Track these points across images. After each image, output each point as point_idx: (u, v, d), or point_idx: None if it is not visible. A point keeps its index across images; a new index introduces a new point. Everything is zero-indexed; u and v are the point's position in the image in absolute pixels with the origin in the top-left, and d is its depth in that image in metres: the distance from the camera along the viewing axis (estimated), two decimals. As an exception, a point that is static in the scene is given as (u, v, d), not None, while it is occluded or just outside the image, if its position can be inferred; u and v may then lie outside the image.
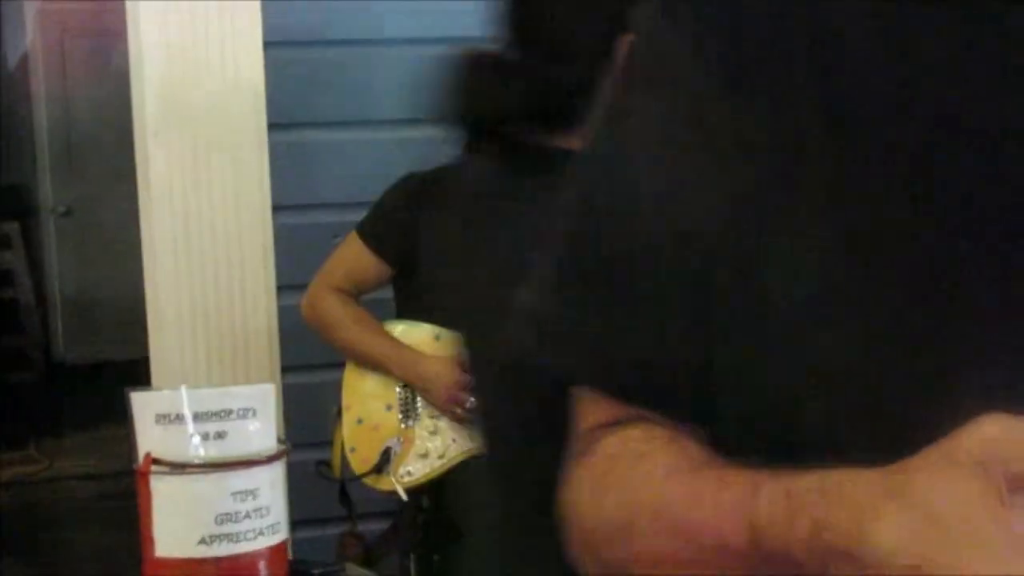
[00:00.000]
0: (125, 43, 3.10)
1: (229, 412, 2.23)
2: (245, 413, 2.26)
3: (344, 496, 2.85)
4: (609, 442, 0.85)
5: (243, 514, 2.18)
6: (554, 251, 0.91)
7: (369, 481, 2.78)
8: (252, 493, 2.21)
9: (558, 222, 0.91)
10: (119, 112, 6.04)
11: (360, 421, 2.81)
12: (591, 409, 0.89)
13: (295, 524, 3.21)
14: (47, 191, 9.10)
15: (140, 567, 2.18)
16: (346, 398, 2.84)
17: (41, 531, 5.64)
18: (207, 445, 2.19)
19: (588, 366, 0.88)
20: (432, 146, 3.01)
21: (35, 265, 8.80)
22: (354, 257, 2.83)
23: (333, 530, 3.02)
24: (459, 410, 2.72)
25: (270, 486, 2.24)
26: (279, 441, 2.32)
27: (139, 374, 3.53)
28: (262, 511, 2.22)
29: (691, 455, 0.79)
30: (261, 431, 2.26)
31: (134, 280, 3.89)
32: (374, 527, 3.00)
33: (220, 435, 2.18)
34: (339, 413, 2.85)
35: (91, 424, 7.24)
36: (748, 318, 0.77)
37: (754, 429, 0.78)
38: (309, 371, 3.15)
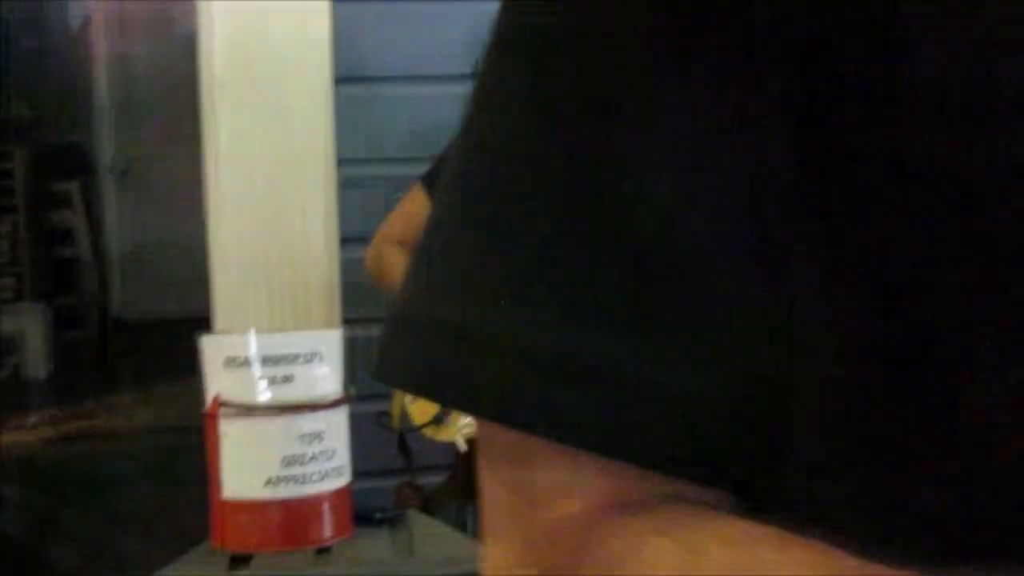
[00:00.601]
0: (185, 3, 3.13)
1: (296, 356, 2.27)
2: (311, 357, 2.29)
3: (403, 447, 2.87)
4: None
5: (309, 456, 2.22)
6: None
7: (429, 431, 2.80)
8: (318, 436, 2.25)
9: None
10: (178, 72, 6.09)
11: (421, 373, 2.82)
12: (559, 478, 0.51)
13: (355, 475, 3.26)
14: (106, 150, 9.19)
15: (207, 512, 2.23)
16: (406, 350, 2.85)
17: (101, 486, 5.73)
18: (274, 388, 2.23)
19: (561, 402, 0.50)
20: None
21: (94, 224, 8.90)
22: (418, 209, 2.83)
23: (391, 482, 3.05)
24: None
25: (335, 430, 2.28)
26: (344, 386, 2.36)
27: (198, 332, 3.57)
28: (328, 453, 2.26)
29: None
30: (327, 376, 2.29)
31: (192, 239, 3.93)
32: (432, 479, 3.02)
33: (287, 379, 2.22)
34: (400, 364, 2.86)
35: (149, 380, 7.33)
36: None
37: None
38: (371, 324, 3.15)
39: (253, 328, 3.06)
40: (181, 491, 4.15)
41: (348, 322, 3.22)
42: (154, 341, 7.87)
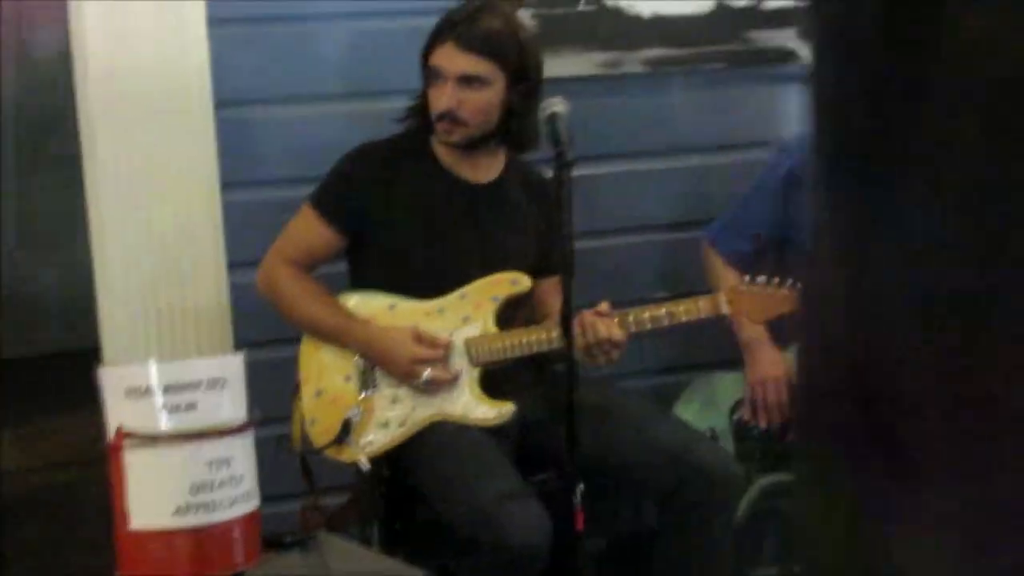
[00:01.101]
0: (49, 32, 3.08)
1: (198, 383, 2.25)
2: (214, 384, 2.28)
3: (305, 469, 2.86)
4: None
5: (217, 483, 2.20)
6: None
7: (331, 452, 2.80)
8: (226, 462, 2.24)
9: None
10: (51, 100, 5.96)
11: (319, 393, 2.83)
12: None
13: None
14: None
15: (110, 546, 2.20)
16: (303, 371, 2.85)
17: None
18: (178, 417, 2.21)
19: None
20: (379, 120, 3.05)
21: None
22: (307, 229, 2.84)
23: (294, 505, 3.03)
24: (416, 382, 2.74)
25: (242, 455, 2.27)
26: (249, 410, 2.35)
27: (85, 365, 3.50)
28: (236, 479, 2.25)
29: None
30: (231, 401, 2.28)
31: (75, 271, 3.86)
32: (335, 500, 3.01)
33: (191, 406, 2.20)
34: (297, 387, 2.86)
35: (33, 416, 7.15)
36: None
37: None
38: (264, 347, 3.11)
39: (146, 357, 3.04)
40: (82, 527, 4.08)
41: (240, 346, 3.20)
42: (39, 377, 7.65)
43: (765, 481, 3.16)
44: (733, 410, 3.23)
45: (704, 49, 3.44)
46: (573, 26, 3.32)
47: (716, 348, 3.38)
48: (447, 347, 2.75)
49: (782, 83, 3.56)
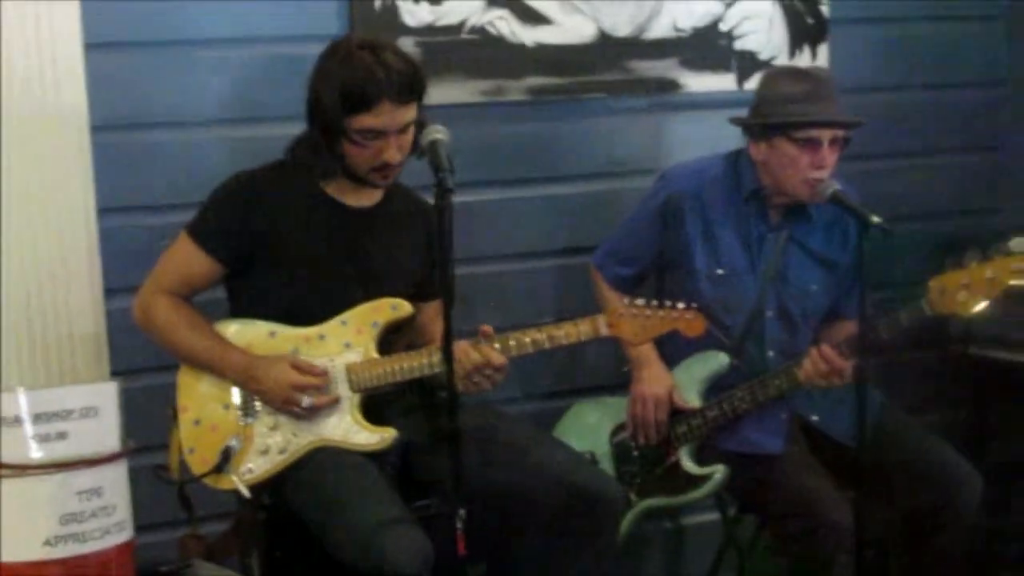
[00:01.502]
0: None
1: (70, 412, 2.22)
2: (87, 412, 2.24)
3: (183, 498, 2.82)
4: None
5: (88, 513, 2.17)
6: None
7: (210, 481, 2.76)
8: (97, 492, 2.20)
9: None
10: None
11: (198, 422, 2.79)
12: None
13: (135, 530, 3.17)
14: None
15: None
16: (182, 400, 2.81)
17: None
18: (49, 446, 2.17)
19: None
20: (258, 146, 3.01)
21: None
22: (185, 257, 2.81)
23: (173, 534, 2.99)
24: (297, 409, 2.73)
25: (115, 484, 2.24)
26: (122, 439, 2.32)
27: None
28: (108, 509, 2.22)
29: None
30: (103, 430, 2.25)
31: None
32: (216, 528, 2.97)
33: (62, 435, 2.17)
34: (175, 415, 2.82)
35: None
36: None
37: None
38: (142, 375, 3.07)
39: (19, 386, 2.97)
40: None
41: (117, 374, 3.15)
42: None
43: (645, 504, 3.18)
44: (614, 433, 3.25)
45: (586, 78, 3.48)
46: (456, 54, 3.33)
47: (601, 373, 3.42)
48: (325, 375, 2.73)
49: (663, 112, 3.61)
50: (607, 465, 3.20)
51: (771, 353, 3.19)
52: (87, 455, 2.04)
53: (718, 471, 3.11)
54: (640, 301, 2.82)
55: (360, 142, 2.70)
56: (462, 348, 2.68)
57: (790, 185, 3.07)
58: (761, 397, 3.10)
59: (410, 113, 2.72)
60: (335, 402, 2.74)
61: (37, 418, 2.02)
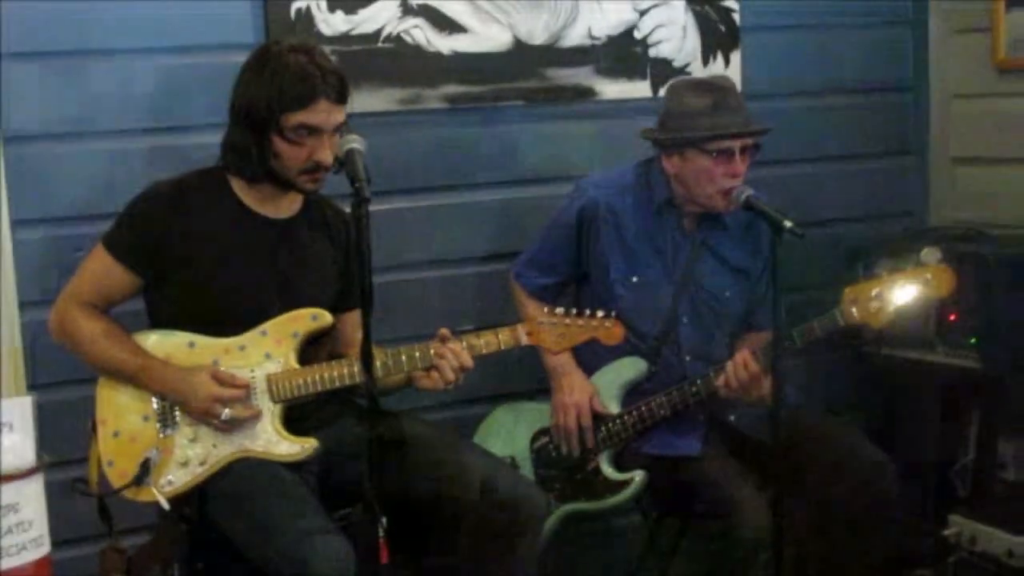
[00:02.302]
0: None
1: (-18, 428, 2.19)
2: (0, 427, 2.22)
3: (103, 511, 2.79)
4: None
5: (4, 529, 2.14)
6: None
7: (129, 493, 2.74)
8: (13, 508, 2.17)
9: None
10: None
11: (117, 434, 2.77)
12: None
13: (54, 544, 3.13)
14: None
15: None
16: (101, 412, 2.79)
17: None
18: (-39, 464, 2.14)
19: None
20: (175, 155, 3.04)
21: None
22: (102, 270, 2.78)
23: (94, 548, 2.96)
24: (216, 421, 2.72)
25: (31, 500, 2.21)
26: (37, 454, 2.29)
27: None
28: (24, 525, 2.19)
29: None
30: (18, 444, 2.22)
31: None
32: (137, 541, 2.95)
33: (-28, 453, 2.14)
34: (94, 428, 2.80)
35: None
36: None
37: None
38: (59, 388, 3.06)
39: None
40: None
41: (35, 387, 3.11)
42: None
43: (566, 508, 3.21)
44: (535, 438, 3.27)
45: (503, 86, 3.50)
46: (373, 62, 3.34)
47: (519, 379, 3.44)
48: (246, 388, 2.73)
49: (580, 119, 3.63)
50: (528, 470, 3.23)
51: (688, 358, 3.23)
52: (2, 471, 2.01)
53: (637, 476, 3.14)
54: (559, 310, 2.85)
55: (295, 140, 2.70)
56: (447, 342, 2.76)
57: (705, 195, 3.11)
58: (680, 405, 3.14)
59: (342, 115, 2.74)
60: (256, 415, 2.74)
61: (-49, 435, 1.99)
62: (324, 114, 2.70)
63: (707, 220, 3.21)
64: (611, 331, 2.85)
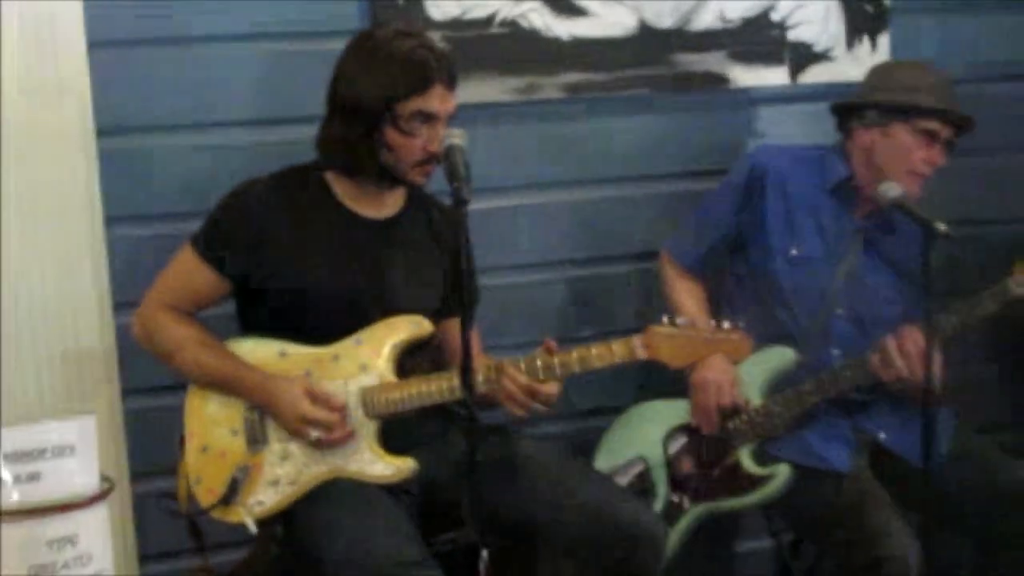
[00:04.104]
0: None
1: (43, 451, 2.03)
2: (61, 451, 2.05)
3: (193, 530, 2.64)
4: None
5: (60, 564, 1.98)
6: None
7: (217, 513, 2.57)
8: (70, 540, 2.00)
9: None
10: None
11: (205, 449, 2.60)
12: None
13: (144, 558, 3.01)
14: None
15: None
16: (189, 425, 2.63)
17: None
18: (19, 488, 1.99)
19: None
20: (279, 149, 2.85)
21: None
22: (188, 271, 2.63)
23: (187, 562, 2.82)
24: (312, 435, 2.53)
25: (91, 530, 2.04)
26: (102, 479, 2.12)
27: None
28: (83, 559, 2.02)
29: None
30: (80, 469, 2.05)
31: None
32: (231, 557, 2.79)
33: (33, 476, 1.98)
34: (182, 441, 2.64)
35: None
36: None
37: None
38: (152, 394, 2.93)
39: (24, 408, 2.81)
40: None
41: (129, 393, 2.97)
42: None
43: (701, 508, 2.98)
44: (669, 437, 3.05)
45: (626, 73, 3.29)
46: (486, 49, 3.14)
47: (643, 388, 3.20)
48: (342, 409, 2.54)
49: (710, 109, 3.39)
50: (660, 469, 3.01)
51: (836, 352, 3.00)
52: (61, 499, 1.83)
53: (781, 470, 2.91)
54: (681, 320, 2.60)
55: (409, 130, 2.52)
56: (509, 372, 2.49)
57: (893, 174, 2.90)
58: (832, 391, 2.92)
59: (454, 102, 2.57)
60: (347, 438, 2.54)
61: (7, 457, 1.82)
62: (439, 100, 2.53)
63: (877, 216, 3.01)
64: (738, 346, 2.59)
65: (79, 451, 1.88)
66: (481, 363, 2.54)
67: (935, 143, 2.91)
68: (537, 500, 2.57)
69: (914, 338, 2.82)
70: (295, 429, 2.52)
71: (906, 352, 2.84)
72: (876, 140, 2.95)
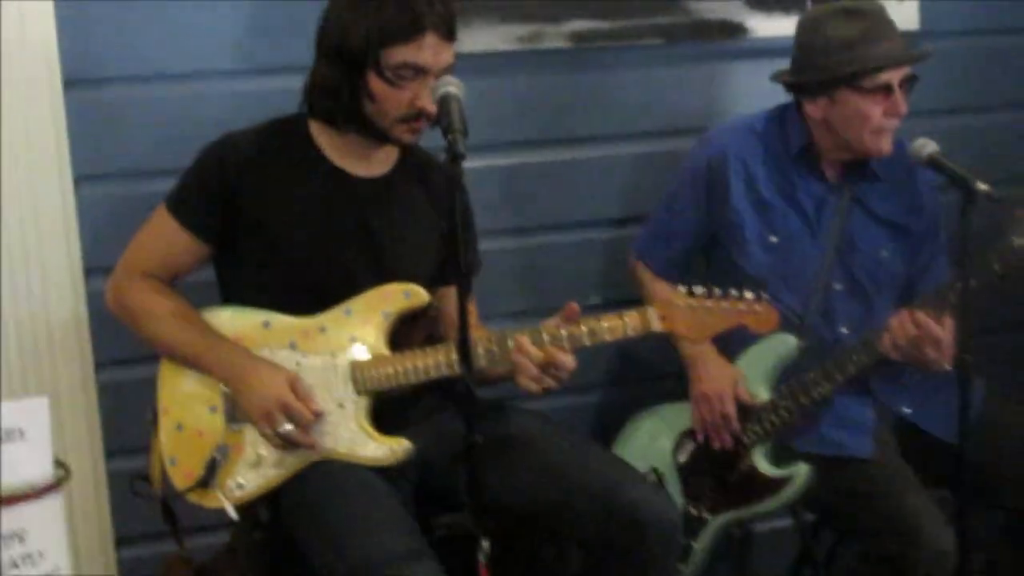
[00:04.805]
0: None
1: (-10, 435, 1.81)
2: (10, 435, 1.83)
3: (168, 515, 2.44)
4: None
5: (8, 563, 1.77)
6: None
7: (194, 497, 2.38)
8: (19, 536, 1.80)
9: None
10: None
11: (180, 427, 2.40)
12: None
13: (119, 541, 2.82)
14: None
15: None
16: (163, 400, 2.42)
17: None
18: (-37, 479, 1.78)
19: None
20: (262, 100, 2.64)
21: None
22: (164, 235, 2.42)
23: (164, 547, 2.62)
24: (269, 429, 2.32)
25: (44, 525, 1.83)
26: (57, 464, 1.91)
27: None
28: (33, 557, 1.82)
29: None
30: (31, 456, 1.84)
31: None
32: (207, 541, 2.60)
33: (-25, 466, 1.77)
34: (155, 418, 2.44)
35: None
36: None
37: None
38: (128, 366, 2.74)
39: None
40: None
41: (103, 365, 2.80)
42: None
43: (722, 519, 2.78)
44: (678, 444, 2.85)
45: (638, 22, 3.09)
46: None
47: (662, 357, 2.99)
48: (319, 415, 2.33)
49: (727, 60, 3.20)
50: (674, 481, 2.82)
51: (844, 330, 2.80)
52: (6, 490, 1.63)
53: (801, 470, 2.71)
54: (699, 290, 2.37)
55: (394, 80, 2.31)
56: (522, 343, 2.29)
57: (859, 141, 2.69)
58: (840, 377, 2.70)
59: (450, 55, 2.34)
60: (313, 448, 2.34)
61: (-51, 444, 1.61)
62: (431, 51, 2.30)
63: (854, 169, 2.78)
64: (763, 317, 2.37)
65: (29, 435, 1.67)
66: (481, 335, 2.34)
67: (891, 93, 2.65)
68: (541, 483, 2.37)
69: (914, 317, 2.59)
70: (266, 411, 2.31)
71: (909, 335, 2.60)
72: (826, 109, 2.70)
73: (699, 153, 2.86)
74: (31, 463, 1.74)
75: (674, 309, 2.35)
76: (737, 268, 2.76)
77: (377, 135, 2.40)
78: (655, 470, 2.81)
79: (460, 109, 2.08)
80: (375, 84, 2.33)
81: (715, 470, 2.81)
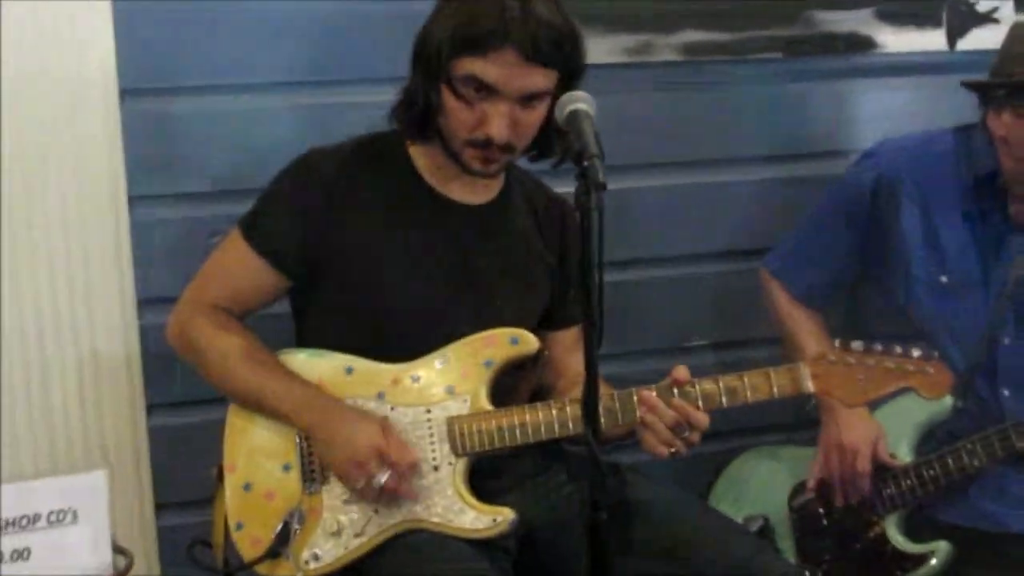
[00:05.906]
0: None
1: (36, 517, 1.52)
2: (61, 516, 1.54)
3: (233, 584, 2.17)
4: None
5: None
6: None
7: (262, 569, 2.11)
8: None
9: None
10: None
11: (248, 487, 2.12)
12: None
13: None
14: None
15: None
16: (229, 455, 2.15)
17: None
18: (11, 569, 1.48)
19: None
20: (335, 116, 2.48)
21: None
22: (237, 264, 2.19)
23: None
24: (362, 483, 2.05)
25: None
26: (116, 551, 1.61)
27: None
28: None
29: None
30: (85, 541, 1.55)
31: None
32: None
33: (20, 554, 1.47)
34: (220, 475, 2.16)
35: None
36: None
37: None
38: (183, 409, 2.55)
39: (29, 423, 2.37)
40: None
41: (155, 407, 2.59)
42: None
43: None
44: (795, 493, 2.61)
45: (756, 34, 2.91)
46: (594, 4, 2.76)
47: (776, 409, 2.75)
48: (416, 464, 2.08)
49: (855, 77, 3.00)
50: (785, 535, 2.59)
51: (1006, 392, 2.52)
52: (60, 587, 1.32)
53: (939, 549, 2.46)
54: (857, 345, 2.08)
55: (461, 92, 2.05)
56: (651, 400, 2.04)
57: None
58: (1001, 452, 2.44)
59: (539, 80, 2.05)
60: (413, 497, 2.08)
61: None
62: (505, 70, 2.03)
63: None
64: (934, 379, 2.09)
65: (83, 516, 1.36)
66: (601, 390, 2.05)
67: None
68: (672, 557, 2.09)
69: None
70: (355, 464, 2.04)
71: None
72: (1008, 124, 2.44)
73: (865, 169, 2.60)
74: (85, 550, 1.43)
75: (829, 367, 2.07)
76: (894, 311, 2.52)
77: (453, 157, 2.13)
78: (764, 519, 2.58)
79: (594, 129, 1.78)
80: (445, 95, 2.08)
81: (837, 533, 2.56)
